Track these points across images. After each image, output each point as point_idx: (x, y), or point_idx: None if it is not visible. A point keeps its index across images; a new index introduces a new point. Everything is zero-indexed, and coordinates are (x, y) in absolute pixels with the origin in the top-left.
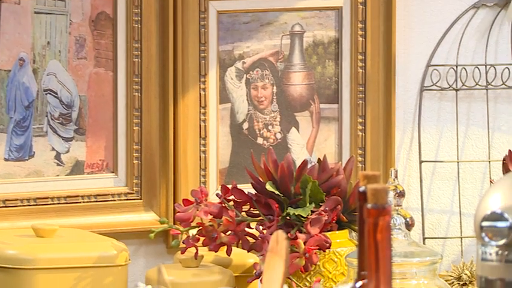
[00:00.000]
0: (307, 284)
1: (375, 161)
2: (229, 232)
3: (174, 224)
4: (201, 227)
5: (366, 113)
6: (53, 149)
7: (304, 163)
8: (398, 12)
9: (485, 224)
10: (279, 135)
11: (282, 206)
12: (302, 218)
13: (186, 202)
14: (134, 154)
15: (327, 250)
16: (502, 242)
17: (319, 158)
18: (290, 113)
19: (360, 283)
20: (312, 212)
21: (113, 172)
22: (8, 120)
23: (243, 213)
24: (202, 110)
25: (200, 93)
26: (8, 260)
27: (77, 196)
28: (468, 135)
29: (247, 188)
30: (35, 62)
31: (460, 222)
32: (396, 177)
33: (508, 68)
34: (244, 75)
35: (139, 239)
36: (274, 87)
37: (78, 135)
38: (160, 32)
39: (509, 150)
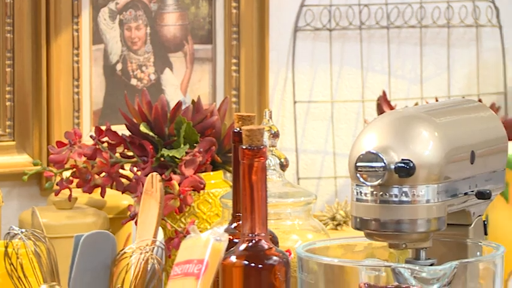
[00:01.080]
0: (182, 225)
1: (249, 102)
2: (103, 174)
3: (47, 166)
4: (74, 169)
5: (240, 53)
6: None
7: (178, 104)
8: None
9: (360, 164)
10: (152, 76)
11: (156, 147)
12: (176, 160)
13: (60, 144)
14: (6, 96)
15: (202, 191)
16: (376, 182)
17: (193, 99)
18: (164, 53)
19: (234, 224)
20: (187, 153)
21: None
22: None
23: (117, 155)
24: (75, 51)
25: (73, 34)
26: None
27: None
28: (342, 75)
29: (121, 130)
30: None
31: (334, 162)
32: (270, 117)
33: (381, 8)
34: (118, 16)
35: (13, 181)
36: (148, 28)
37: None
38: None
39: (383, 91)
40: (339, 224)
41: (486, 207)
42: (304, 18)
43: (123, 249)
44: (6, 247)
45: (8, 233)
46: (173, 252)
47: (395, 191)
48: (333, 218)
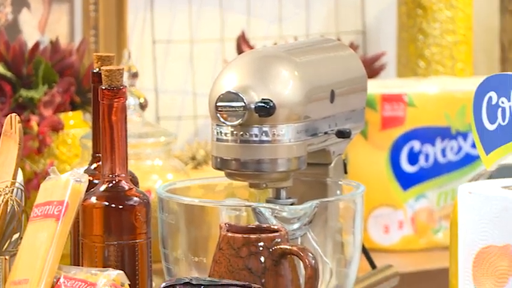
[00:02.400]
0: (41, 166)
1: (108, 42)
2: None
3: None
4: None
5: None
6: None
7: (36, 44)
8: None
9: (220, 104)
10: (10, 16)
11: (15, 88)
12: (35, 100)
13: None
14: None
15: (61, 132)
16: (237, 122)
17: (51, 39)
18: None
19: (94, 165)
20: (45, 93)
21: None
22: None
23: None
24: None
25: None
26: None
27: None
28: (201, 15)
29: None
30: None
31: (194, 102)
32: (130, 58)
33: None
34: None
35: None
36: None
37: None
38: None
39: (242, 30)
40: (199, 164)
41: (346, 146)
42: None
43: None
44: None
45: None
46: (33, 194)
47: (255, 130)
48: (193, 158)
